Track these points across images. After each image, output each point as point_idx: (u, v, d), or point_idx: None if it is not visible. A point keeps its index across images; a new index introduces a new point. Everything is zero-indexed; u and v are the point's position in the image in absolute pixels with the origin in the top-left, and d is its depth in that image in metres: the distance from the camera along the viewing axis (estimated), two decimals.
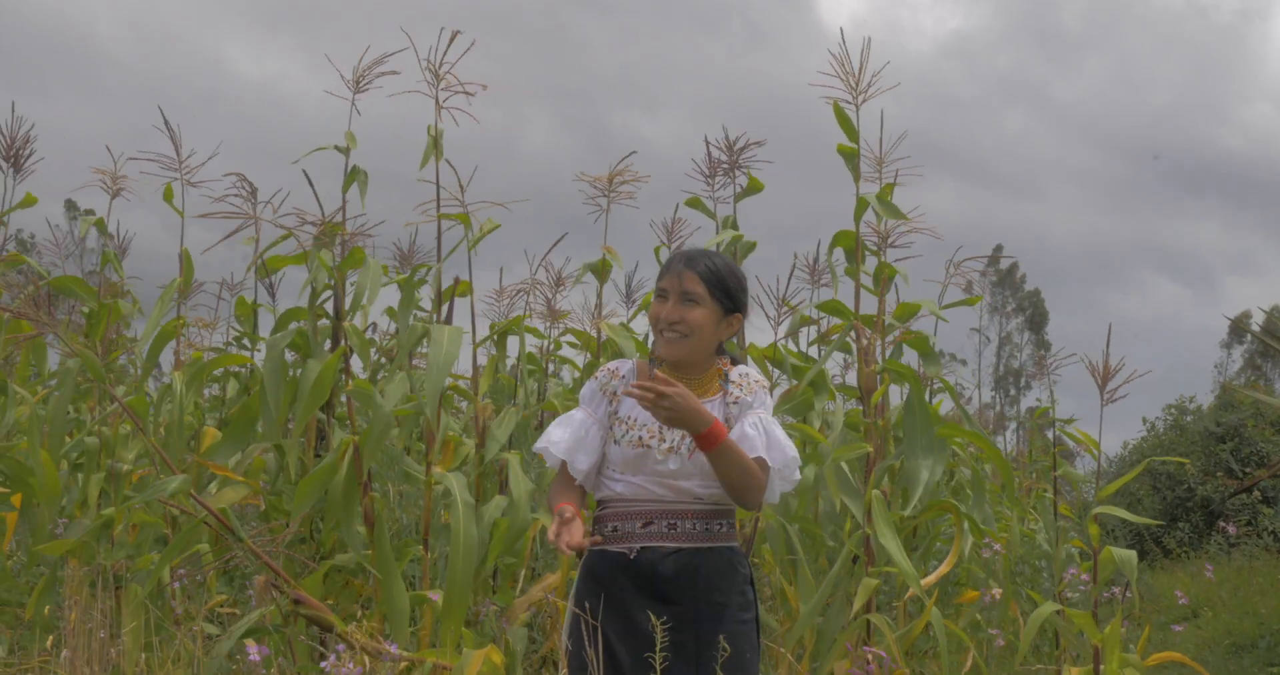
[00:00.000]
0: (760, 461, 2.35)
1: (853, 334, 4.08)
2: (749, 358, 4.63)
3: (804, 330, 4.99)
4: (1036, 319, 50.57)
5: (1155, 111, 73.72)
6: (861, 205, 4.00)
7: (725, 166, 4.54)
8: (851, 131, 3.96)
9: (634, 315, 5.23)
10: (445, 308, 4.06)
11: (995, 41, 78.03)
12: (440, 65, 3.74)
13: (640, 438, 2.38)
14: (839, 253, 4.13)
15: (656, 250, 4.87)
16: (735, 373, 2.50)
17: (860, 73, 3.92)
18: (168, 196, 4.51)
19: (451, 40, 3.70)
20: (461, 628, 3.55)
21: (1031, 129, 73.54)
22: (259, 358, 4.95)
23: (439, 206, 3.85)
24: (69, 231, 4.97)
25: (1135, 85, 76.03)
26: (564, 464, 2.42)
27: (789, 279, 4.92)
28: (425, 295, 4.38)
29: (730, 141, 4.50)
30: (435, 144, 3.81)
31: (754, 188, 4.50)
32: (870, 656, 3.44)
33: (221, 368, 5.16)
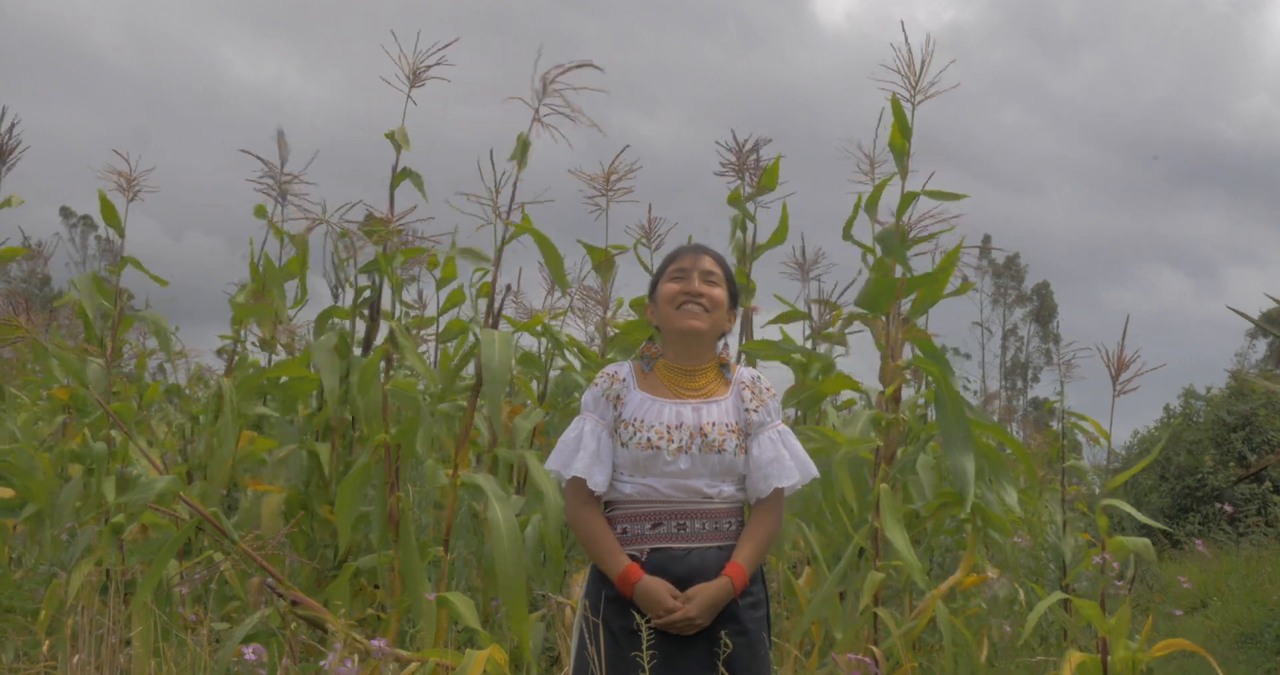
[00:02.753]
0: (777, 492, 2.43)
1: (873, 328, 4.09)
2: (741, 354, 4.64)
3: (801, 324, 5.00)
4: (1044, 313, 50.42)
5: (1152, 105, 73.52)
6: (906, 201, 3.99)
7: (735, 168, 4.55)
8: (906, 128, 3.97)
9: (615, 310, 5.22)
10: (494, 311, 4.06)
11: (990, 35, 77.80)
12: (551, 82, 3.71)
13: (649, 439, 2.38)
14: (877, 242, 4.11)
15: (635, 244, 4.88)
16: (746, 375, 2.51)
17: (922, 71, 3.94)
18: (260, 213, 4.56)
19: (572, 67, 3.66)
20: (524, 622, 3.53)
21: (1028, 123, 73.37)
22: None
23: (509, 216, 3.75)
24: (70, 239, 4.99)
25: (1131, 78, 75.83)
26: (581, 481, 2.40)
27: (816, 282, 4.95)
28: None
29: (740, 143, 4.51)
30: (523, 152, 3.76)
31: (766, 185, 4.51)
32: (874, 652, 3.44)
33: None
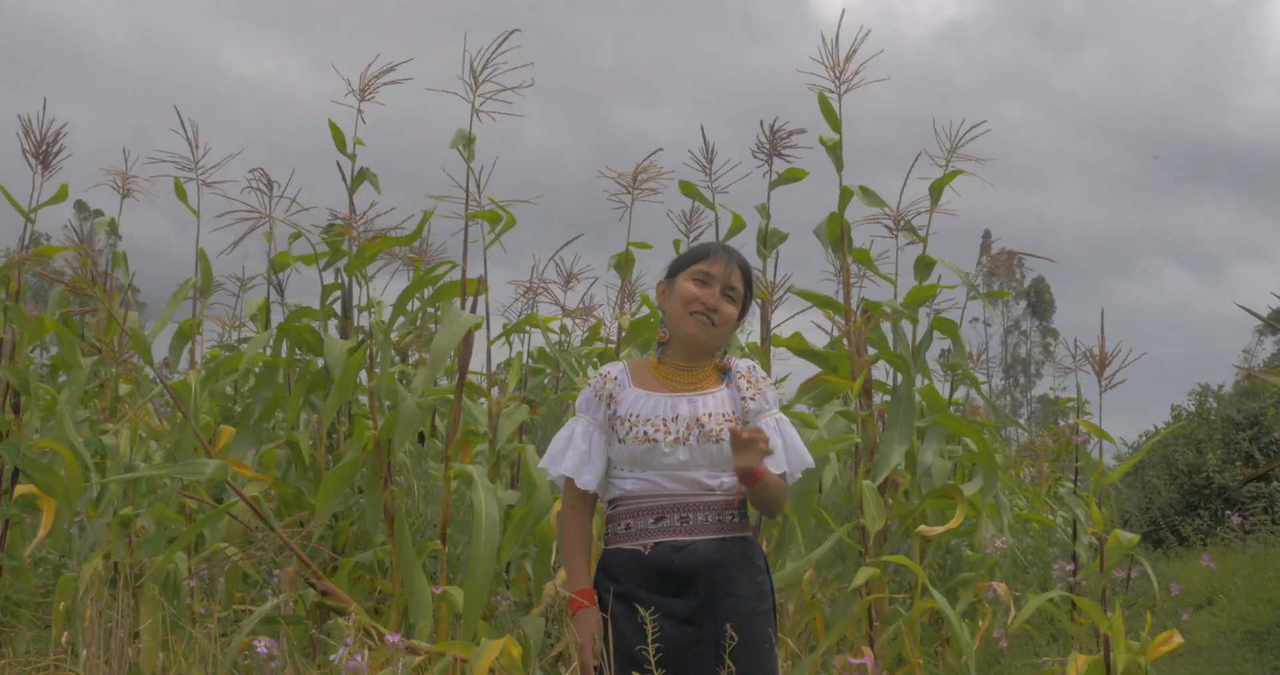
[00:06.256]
0: (783, 475, 2.43)
1: (841, 323, 4.14)
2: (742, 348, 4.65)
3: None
4: (1041, 307, 50.19)
5: (1156, 99, 73.11)
6: (845, 195, 4.03)
7: (766, 152, 4.54)
8: (835, 121, 3.97)
9: (635, 311, 5.24)
10: (469, 303, 4.09)
11: (993, 29, 77.47)
12: (481, 70, 3.72)
13: (645, 433, 2.39)
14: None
15: (676, 244, 4.89)
16: (742, 365, 2.51)
17: (846, 62, 3.88)
18: (180, 194, 4.57)
19: (501, 42, 3.69)
20: (479, 618, 3.56)
21: (1031, 118, 73.02)
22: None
23: (468, 207, 3.84)
24: (79, 231, 5.02)
25: (1135, 72, 75.40)
26: (570, 481, 2.42)
27: (776, 265, 4.92)
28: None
29: (774, 129, 4.51)
30: (469, 146, 3.82)
31: (791, 176, 4.51)
32: (864, 656, 3.44)
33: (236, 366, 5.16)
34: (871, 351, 4.15)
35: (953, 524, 3.84)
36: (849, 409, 4.06)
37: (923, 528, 3.94)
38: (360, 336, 4.21)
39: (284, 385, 4.37)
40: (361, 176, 4.00)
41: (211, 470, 3.57)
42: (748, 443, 2.29)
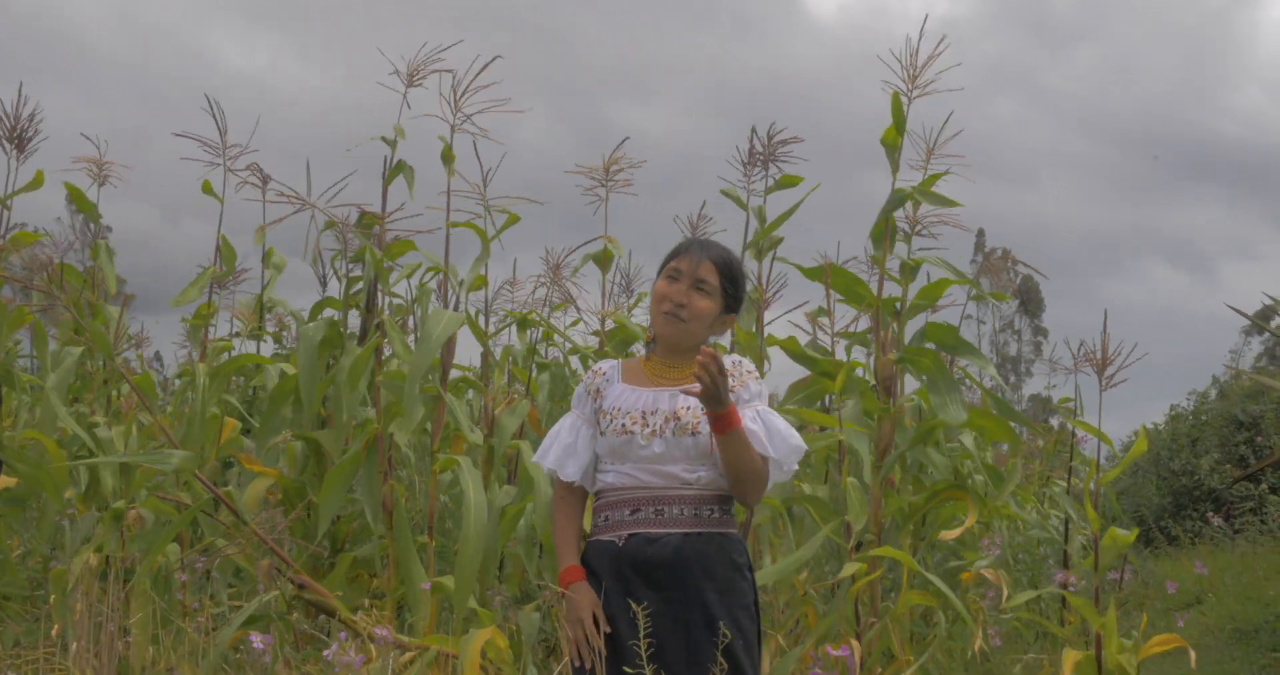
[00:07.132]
0: (763, 459, 2.39)
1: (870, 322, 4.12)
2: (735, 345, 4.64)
3: (824, 320, 4.96)
4: (1030, 305, 50.33)
5: (1148, 98, 73.25)
6: (898, 196, 3.99)
7: (761, 158, 4.54)
8: (901, 122, 3.95)
9: (634, 304, 5.22)
10: (453, 301, 4.08)
11: (984, 27, 77.43)
12: (461, 95, 3.75)
13: (624, 425, 2.40)
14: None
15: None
16: (728, 360, 2.49)
17: (923, 68, 3.91)
18: (206, 188, 4.54)
19: (480, 72, 3.72)
20: (467, 604, 3.55)
21: (1023, 117, 73.07)
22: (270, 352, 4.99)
23: (449, 216, 3.85)
24: (70, 224, 5.00)
25: (1127, 71, 75.52)
26: (555, 472, 2.48)
27: (770, 266, 4.89)
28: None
29: (770, 135, 4.50)
30: (448, 163, 3.84)
31: (787, 182, 4.48)
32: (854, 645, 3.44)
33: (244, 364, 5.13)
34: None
35: (968, 523, 3.82)
36: (875, 402, 4.02)
37: (944, 533, 3.91)
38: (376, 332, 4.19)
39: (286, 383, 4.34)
40: (399, 168, 3.96)
41: (178, 460, 3.56)
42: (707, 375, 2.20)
